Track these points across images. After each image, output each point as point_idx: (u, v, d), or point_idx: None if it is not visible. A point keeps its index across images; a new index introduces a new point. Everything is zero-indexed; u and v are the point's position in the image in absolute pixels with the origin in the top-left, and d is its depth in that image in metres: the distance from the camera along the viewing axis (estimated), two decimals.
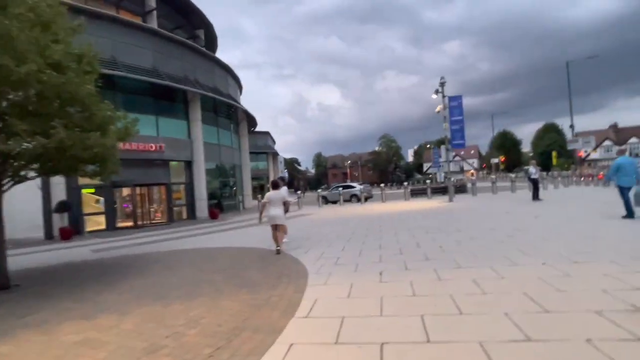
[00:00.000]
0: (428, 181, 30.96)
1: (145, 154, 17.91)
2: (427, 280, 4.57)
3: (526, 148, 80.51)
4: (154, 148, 18.19)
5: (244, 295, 4.64)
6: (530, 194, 15.77)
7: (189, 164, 20.51)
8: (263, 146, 51.92)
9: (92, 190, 17.12)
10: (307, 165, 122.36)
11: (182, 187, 20.38)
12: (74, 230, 15.15)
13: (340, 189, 24.02)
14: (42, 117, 5.29)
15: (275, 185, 7.91)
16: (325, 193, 27.98)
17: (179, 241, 11.22)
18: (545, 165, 47.49)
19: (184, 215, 20.27)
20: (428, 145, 78.82)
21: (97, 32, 16.59)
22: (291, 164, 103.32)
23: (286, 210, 7.96)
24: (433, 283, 4.46)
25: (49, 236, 14.96)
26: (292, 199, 9.94)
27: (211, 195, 20.83)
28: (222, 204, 22.80)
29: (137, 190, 18.13)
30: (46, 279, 6.88)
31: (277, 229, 7.52)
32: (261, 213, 7.82)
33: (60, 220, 14.94)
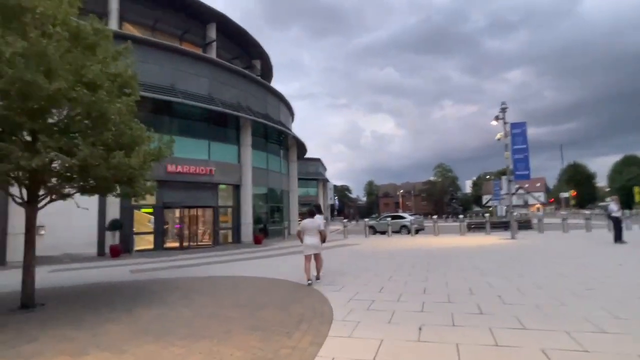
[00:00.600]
0: (487, 215, 28.52)
1: (196, 177, 18.35)
2: (479, 345, 3.57)
3: (601, 182, 72.72)
4: (204, 171, 18.62)
5: (253, 341, 3.95)
6: (610, 234, 13.56)
7: (237, 188, 20.71)
8: (314, 173, 52.17)
9: (149, 210, 17.72)
10: (358, 193, 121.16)
11: (229, 210, 20.54)
12: (123, 248, 15.62)
13: (389, 219, 22.82)
14: (70, 135, 5.22)
15: (311, 214, 7.51)
16: (373, 222, 26.84)
17: (214, 267, 10.90)
18: (625, 202, 42.11)
19: (230, 239, 20.28)
20: (487, 176, 74.32)
21: (158, 61, 17.76)
22: (342, 191, 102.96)
23: (323, 240, 7.52)
24: (487, 350, 3.44)
25: (100, 253, 15.55)
26: (327, 228, 9.36)
27: (257, 220, 20.72)
28: (267, 229, 22.62)
29: (186, 212, 18.51)
30: (70, 300, 6.73)
31: (312, 260, 7.23)
32: (301, 240, 7.43)
33: (112, 238, 15.51)
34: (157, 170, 17.43)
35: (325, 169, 60.72)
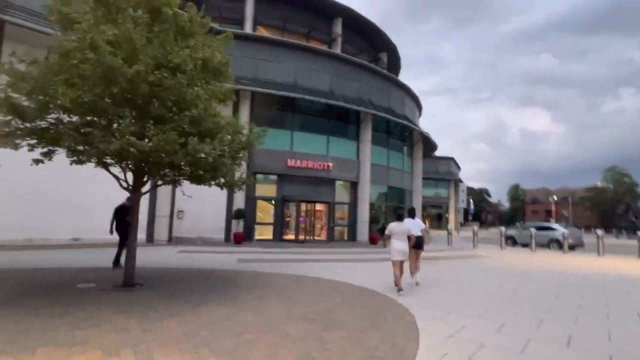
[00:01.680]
0: None
1: (314, 172, 18.41)
2: None
3: None
4: (321, 166, 18.55)
5: None
6: None
7: (354, 185, 20.10)
8: (445, 172, 48.21)
9: (271, 202, 18.55)
10: (500, 197, 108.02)
11: (345, 207, 20.08)
12: (245, 236, 16.66)
13: (533, 229, 18.88)
14: (148, 120, 5.16)
15: (399, 217, 7.19)
16: (513, 232, 22.78)
17: (317, 264, 10.35)
18: None
19: (345, 236, 19.82)
20: None
21: (282, 59, 18.36)
22: (479, 194, 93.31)
23: (414, 244, 7.22)
24: None
25: (227, 239, 16.91)
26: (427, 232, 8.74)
27: (373, 219, 19.68)
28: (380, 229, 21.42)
29: (303, 206, 18.76)
30: (164, 284, 6.91)
31: (401, 266, 6.85)
32: (385, 244, 7.38)
33: (236, 226, 16.68)
34: (278, 165, 18.28)
35: (459, 168, 55.60)
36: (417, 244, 7.41)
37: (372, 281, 7.75)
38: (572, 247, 19.03)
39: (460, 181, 50.56)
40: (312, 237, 18.89)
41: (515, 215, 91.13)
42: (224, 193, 17.02)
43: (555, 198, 70.00)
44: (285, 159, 17.78)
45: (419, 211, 26.13)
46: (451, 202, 48.28)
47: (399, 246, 6.75)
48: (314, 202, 18.83)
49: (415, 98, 26.00)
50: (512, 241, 21.89)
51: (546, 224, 22.23)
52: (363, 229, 19.51)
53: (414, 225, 7.58)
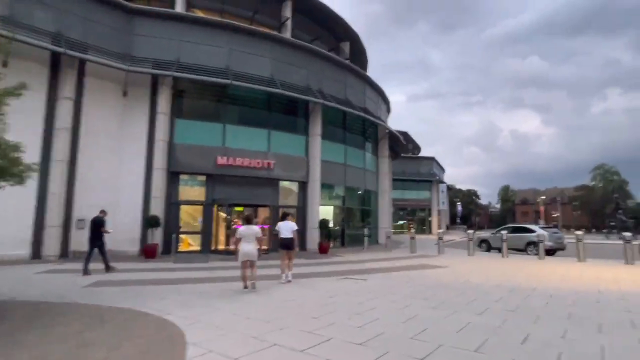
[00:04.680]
0: None
1: (251, 171, 15.86)
2: None
3: None
4: (260, 164, 16.01)
5: None
6: None
7: (303, 185, 17.58)
8: (426, 174, 45.89)
9: (196, 207, 15.75)
10: (491, 199, 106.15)
11: (294, 211, 17.51)
12: (164, 248, 14.01)
13: (505, 232, 16.45)
14: None
15: (249, 220, 7.63)
16: (487, 235, 20.37)
17: (202, 288, 7.74)
18: None
19: None
20: None
21: (211, 41, 15.87)
22: (469, 196, 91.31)
23: (260, 248, 7.63)
24: None
25: (142, 252, 14.22)
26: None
27: (322, 224, 17.01)
28: (344, 235, 18.91)
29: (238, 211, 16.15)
30: None
31: (249, 267, 7.33)
32: (235, 250, 7.61)
33: (152, 237, 13.98)
34: (205, 163, 15.68)
35: (442, 169, 53.43)
36: (285, 245, 8.36)
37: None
38: (551, 251, 16.64)
39: (441, 181, 48.21)
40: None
41: (505, 217, 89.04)
42: (139, 197, 14.46)
43: (544, 198, 68.07)
44: (214, 157, 15.22)
45: (385, 214, 23.69)
46: (433, 205, 45.86)
47: (246, 248, 7.23)
48: (252, 205, 16.22)
49: (379, 91, 23.67)
50: (486, 246, 19.46)
51: (522, 225, 19.82)
52: (314, 236, 16.94)
53: (285, 227, 8.45)
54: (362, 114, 19.40)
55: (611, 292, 7.33)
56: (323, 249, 16.17)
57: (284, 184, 17.24)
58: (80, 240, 13.42)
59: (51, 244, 12.57)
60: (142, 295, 6.70)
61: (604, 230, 49.67)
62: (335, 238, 18.72)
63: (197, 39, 15.57)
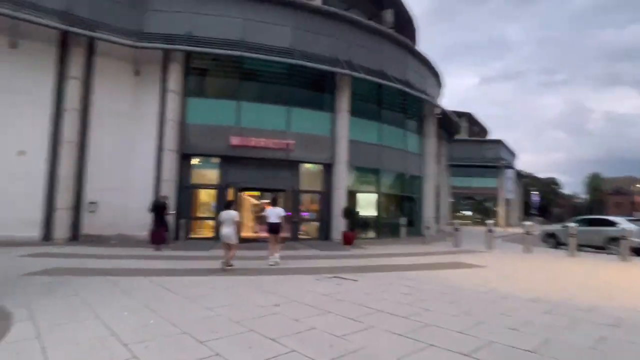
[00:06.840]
0: None
1: (268, 152, 14.50)
2: None
3: None
4: (278, 145, 14.57)
5: None
6: None
7: (328, 168, 15.77)
8: (491, 158, 40.99)
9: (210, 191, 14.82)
10: (577, 189, 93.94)
11: (317, 197, 15.85)
12: (175, 234, 13.31)
13: (573, 224, 13.07)
14: None
15: (228, 205, 8.49)
16: (555, 228, 16.82)
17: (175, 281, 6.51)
18: None
19: (314, 234, 15.60)
20: None
21: (226, 11, 14.63)
22: (547, 185, 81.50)
23: (238, 231, 8.28)
24: None
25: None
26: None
27: (347, 212, 14.98)
28: (366, 224, 16.76)
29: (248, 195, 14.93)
30: None
31: (228, 248, 7.90)
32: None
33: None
34: (219, 144, 14.62)
35: (512, 154, 47.56)
36: (272, 229, 8.84)
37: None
38: None
39: (509, 167, 42.63)
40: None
41: (592, 209, 77.84)
42: (150, 181, 13.89)
43: None
44: (228, 137, 14.09)
45: (429, 202, 20.93)
46: (500, 193, 40.91)
47: (223, 231, 7.94)
48: (269, 190, 14.86)
49: (425, 62, 20.76)
50: (554, 240, 16.01)
51: (603, 217, 15.89)
52: (339, 225, 15.12)
53: (273, 213, 8.99)
54: (398, 85, 16.83)
55: None
56: (347, 240, 14.31)
57: (305, 166, 15.61)
58: (92, 223, 13.30)
59: (61, 226, 12.45)
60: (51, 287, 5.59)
61: None
62: (366, 228, 16.72)
63: (210, 10, 14.44)
